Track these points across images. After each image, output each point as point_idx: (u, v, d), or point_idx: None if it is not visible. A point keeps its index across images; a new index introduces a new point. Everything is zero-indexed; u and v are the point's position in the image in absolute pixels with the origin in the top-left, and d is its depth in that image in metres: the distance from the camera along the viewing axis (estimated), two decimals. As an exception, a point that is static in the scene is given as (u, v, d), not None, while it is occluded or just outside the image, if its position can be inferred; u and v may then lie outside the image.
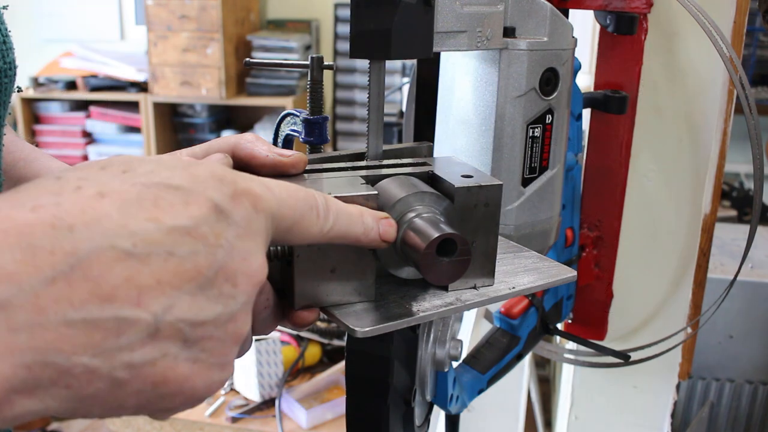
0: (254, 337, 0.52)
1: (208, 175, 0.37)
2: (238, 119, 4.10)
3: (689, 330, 1.11)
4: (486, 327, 1.12)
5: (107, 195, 0.33)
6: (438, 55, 0.73)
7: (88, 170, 0.35)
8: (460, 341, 0.76)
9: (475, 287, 0.53)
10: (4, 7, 0.56)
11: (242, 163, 0.54)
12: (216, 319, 0.36)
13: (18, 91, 0.61)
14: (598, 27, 0.98)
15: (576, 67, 0.82)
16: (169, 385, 0.35)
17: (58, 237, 0.31)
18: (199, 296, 0.35)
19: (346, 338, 0.66)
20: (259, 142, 0.56)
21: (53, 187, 0.33)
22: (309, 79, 0.62)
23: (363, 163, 0.57)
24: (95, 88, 3.74)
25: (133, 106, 3.78)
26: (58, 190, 0.33)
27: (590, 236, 1.05)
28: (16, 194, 0.33)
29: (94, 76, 3.74)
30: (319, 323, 1.90)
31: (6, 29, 0.55)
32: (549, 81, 0.70)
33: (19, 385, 0.30)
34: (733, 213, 2.62)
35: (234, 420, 1.73)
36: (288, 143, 0.65)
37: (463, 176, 0.53)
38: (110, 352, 0.32)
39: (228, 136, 0.57)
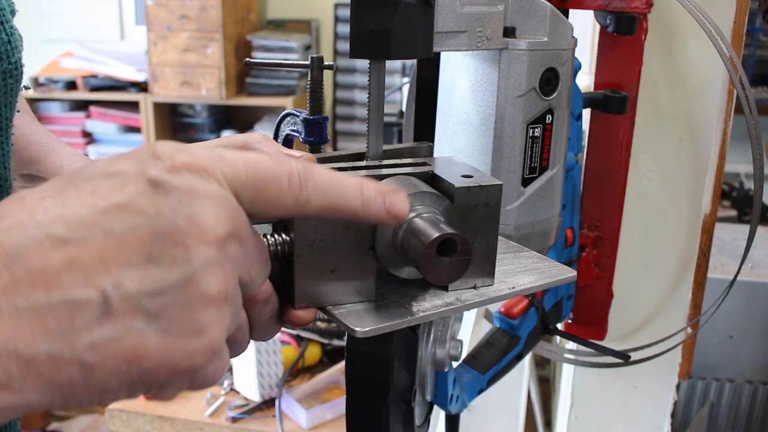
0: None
1: (148, 154, 0.37)
2: (238, 119, 4.10)
3: (689, 330, 1.11)
4: (486, 327, 1.12)
5: (48, 197, 0.34)
6: (438, 55, 0.73)
7: (55, 180, 0.36)
8: (460, 341, 0.76)
9: (475, 287, 0.53)
10: (12, 12, 0.57)
11: None
12: (174, 285, 0.35)
13: (26, 89, 0.61)
14: (598, 27, 0.98)
15: (576, 67, 0.82)
16: (145, 360, 0.34)
17: None
18: (149, 267, 0.34)
19: (346, 338, 0.66)
20: (268, 142, 0.56)
21: (8, 206, 0.34)
22: (309, 79, 0.62)
23: (363, 163, 0.57)
24: (95, 88, 3.74)
25: (133, 106, 3.77)
26: (8, 209, 0.34)
27: (590, 236, 1.05)
28: None
29: (94, 76, 3.74)
30: (319, 323, 1.90)
31: (11, 28, 0.55)
32: (549, 81, 0.70)
33: None
34: (733, 213, 2.62)
35: (234, 420, 1.73)
36: (288, 143, 0.65)
37: (463, 176, 0.53)
38: (68, 336, 0.32)
39: (236, 135, 0.57)
